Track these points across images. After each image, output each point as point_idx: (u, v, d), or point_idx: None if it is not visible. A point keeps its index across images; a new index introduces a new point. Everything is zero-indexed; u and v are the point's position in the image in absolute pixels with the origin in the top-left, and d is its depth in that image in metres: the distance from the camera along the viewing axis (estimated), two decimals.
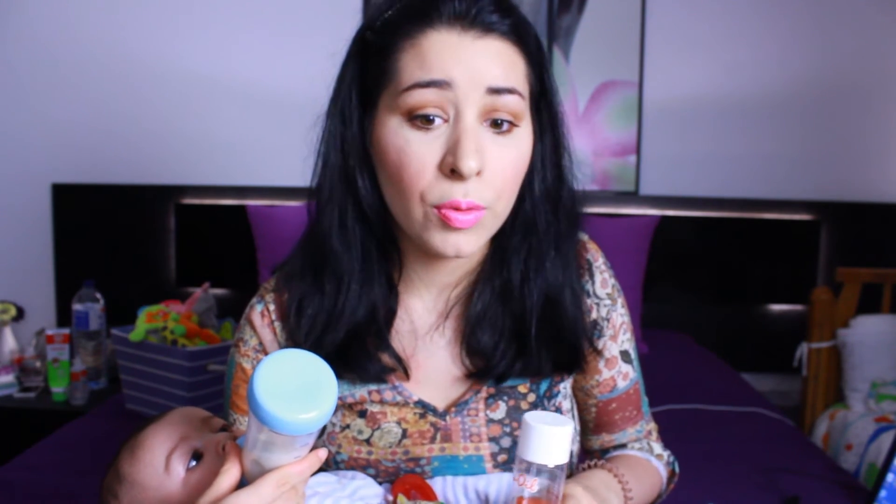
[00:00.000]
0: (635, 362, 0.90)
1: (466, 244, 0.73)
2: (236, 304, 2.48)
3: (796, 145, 2.62)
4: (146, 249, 2.68)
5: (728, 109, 2.62)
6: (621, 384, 0.89)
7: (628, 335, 0.89)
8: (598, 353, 0.86)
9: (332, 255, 0.79)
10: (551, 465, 0.64)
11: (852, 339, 2.20)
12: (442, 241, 0.73)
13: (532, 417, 0.65)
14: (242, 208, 2.49)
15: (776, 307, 2.64)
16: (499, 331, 0.81)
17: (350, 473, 0.81)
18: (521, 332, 0.80)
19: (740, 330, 2.63)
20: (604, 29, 2.59)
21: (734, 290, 2.65)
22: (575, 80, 2.61)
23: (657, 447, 0.94)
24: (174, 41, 2.65)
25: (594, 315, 0.86)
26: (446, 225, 0.71)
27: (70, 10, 2.65)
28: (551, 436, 0.63)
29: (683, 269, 2.63)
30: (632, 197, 2.63)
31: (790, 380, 2.58)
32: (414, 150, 0.70)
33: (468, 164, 0.68)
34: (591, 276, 0.86)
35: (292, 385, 0.58)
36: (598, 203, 2.60)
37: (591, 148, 2.63)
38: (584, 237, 0.89)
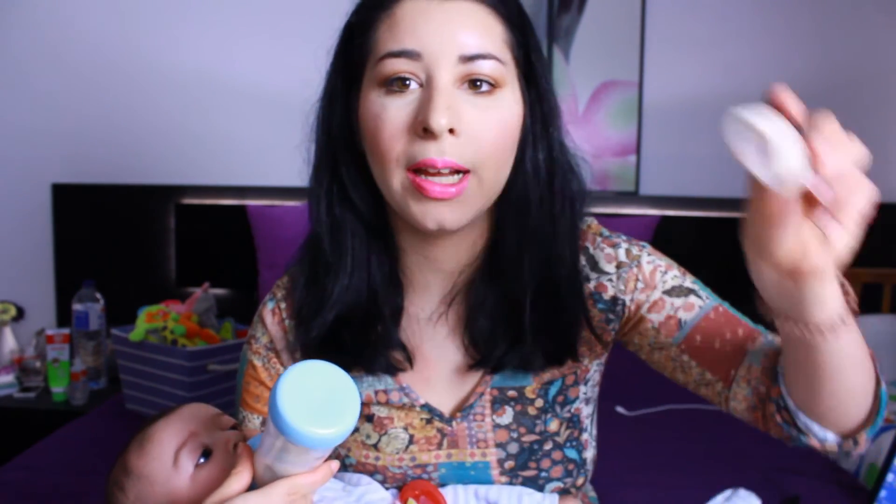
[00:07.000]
0: (701, 291, 0.82)
1: (450, 217, 0.70)
2: (236, 304, 2.49)
3: None
4: (146, 249, 2.68)
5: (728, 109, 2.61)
6: (687, 315, 0.80)
7: (671, 273, 0.81)
8: (599, 338, 0.81)
9: (321, 240, 0.78)
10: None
11: None
12: (421, 212, 0.70)
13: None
14: (242, 208, 2.49)
15: None
16: (496, 317, 0.79)
17: (356, 478, 0.81)
18: (518, 319, 0.77)
19: None
20: (604, 29, 2.59)
21: (734, 290, 2.62)
22: (575, 80, 2.60)
23: None
24: (175, 41, 2.65)
25: (610, 292, 0.81)
26: (421, 195, 0.69)
27: (71, 10, 2.65)
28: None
29: None
30: (632, 197, 2.63)
31: None
32: (388, 114, 0.69)
33: (437, 119, 0.66)
34: (590, 260, 0.82)
35: (316, 398, 0.57)
36: (598, 203, 2.59)
37: (591, 148, 2.63)
38: (589, 220, 0.85)
